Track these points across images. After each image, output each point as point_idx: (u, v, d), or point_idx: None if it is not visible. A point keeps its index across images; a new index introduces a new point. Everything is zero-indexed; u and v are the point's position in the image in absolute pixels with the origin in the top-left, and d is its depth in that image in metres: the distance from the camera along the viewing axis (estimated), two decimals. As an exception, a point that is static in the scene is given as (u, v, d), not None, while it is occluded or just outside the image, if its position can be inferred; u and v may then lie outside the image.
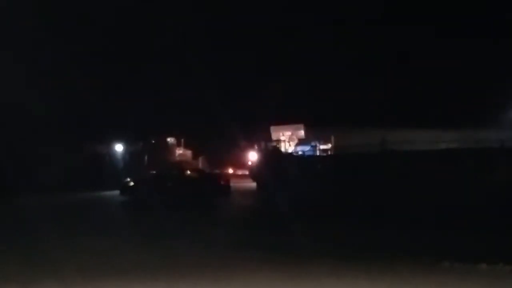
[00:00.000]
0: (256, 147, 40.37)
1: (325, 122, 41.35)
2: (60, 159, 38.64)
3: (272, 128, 42.29)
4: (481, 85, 43.84)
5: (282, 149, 38.54)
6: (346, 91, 46.07)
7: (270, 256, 11.88)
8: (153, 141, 43.86)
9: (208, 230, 16.60)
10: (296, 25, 49.72)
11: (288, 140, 41.77)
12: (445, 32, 46.81)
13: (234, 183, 32.80)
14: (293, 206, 20.54)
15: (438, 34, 47.00)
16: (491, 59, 43.39)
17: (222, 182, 28.41)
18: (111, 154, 44.01)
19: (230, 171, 54.11)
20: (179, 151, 44.59)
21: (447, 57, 45.74)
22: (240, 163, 55.11)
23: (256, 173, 33.44)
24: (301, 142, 41.48)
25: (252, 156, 39.59)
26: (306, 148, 38.67)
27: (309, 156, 34.17)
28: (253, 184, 33.62)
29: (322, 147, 38.19)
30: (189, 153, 45.32)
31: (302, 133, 41.67)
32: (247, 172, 50.34)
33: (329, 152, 36.22)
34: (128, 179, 28.13)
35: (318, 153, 36.32)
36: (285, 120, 42.90)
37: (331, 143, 38.77)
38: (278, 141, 41.06)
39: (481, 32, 45.21)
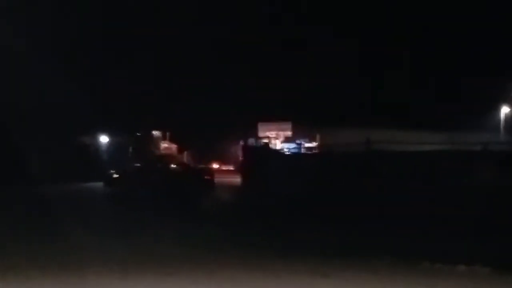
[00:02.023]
0: (243, 142, 40.39)
1: (311, 120, 41.53)
2: (46, 150, 38.40)
3: (260, 125, 42.43)
4: (465, 88, 44.23)
5: (271, 146, 38.68)
6: (333, 90, 46.27)
7: (251, 254, 11.94)
8: (139, 134, 43.72)
9: (190, 225, 16.63)
10: (285, 25, 49.82)
11: (275, 137, 41.95)
12: (432, 33, 47.12)
13: (218, 178, 32.81)
14: (276, 203, 20.61)
15: (425, 35, 47.30)
16: (476, 61, 43.77)
17: (206, 177, 28.44)
18: (96, 145, 43.81)
19: (215, 166, 54.08)
20: (164, 145, 44.49)
21: (431, 59, 46.07)
22: (225, 158, 55.11)
23: (243, 168, 33.48)
24: (287, 139, 41.61)
25: (242, 152, 39.60)
26: (292, 145, 38.80)
27: (294, 153, 34.26)
28: (237, 180, 33.65)
29: (307, 145, 38.36)
30: (174, 147, 45.23)
31: (289, 131, 41.84)
32: (232, 168, 50.37)
33: (314, 150, 36.36)
34: (112, 171, 28.07)
35: (303, 151, 36.46)
36: (273, 117, 43.03)
37: (316, 141, 38.93)
38: (269, 137, 41.24)
39: (469, 33, 45.56)
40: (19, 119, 38.33)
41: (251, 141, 40.64)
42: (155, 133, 44.11)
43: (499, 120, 44.34)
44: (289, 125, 42.12)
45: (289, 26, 50.17)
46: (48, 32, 41.44)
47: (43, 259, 10.95)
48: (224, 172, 47.75)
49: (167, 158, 33.14)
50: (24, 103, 38.79)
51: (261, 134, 42.31)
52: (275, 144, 40.73)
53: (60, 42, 42.84)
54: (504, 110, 44.60)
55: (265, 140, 40.71)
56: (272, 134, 42.23)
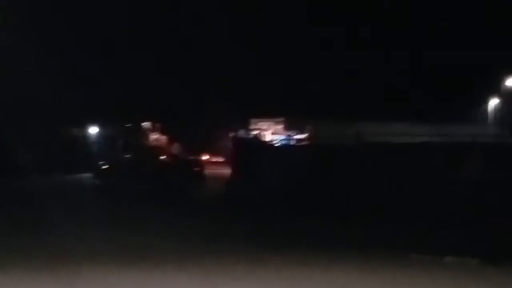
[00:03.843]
0: (234, 134, 40.36)
1: (301, 112, 41.56)
2: (35, 141, 38.23)
3: (253, 121, 42.48)
4: (455, 80, 44.38)
5: (262, 139, 38.69)
6: (323, 81, 46.32)
7: (240, 246, 11.96)
8: (128, 125, 43.57)
9: (179, 217, 16.65)
10: (276, 19, 49.81)
11: (265, 128, 41.98)
12: (421, 24, 47.23)
13: (209, 170, 32.79)
14: (265, 196, 20.67)
15: (415, 26, 47.41)
16: (466, 54, 43.89)
17: (196, 169, 28.39)
18: (86, 137, 43.65)
19: (205, 158, 53.99)
20: (154, 136, 44.37)
21: (422, 51, 46.17)
22: (215, 150, 55.02)
23: (233, 160, 33.52)
24: (277, 131, 41.65)
25: (232, 144, 39.58)
26: (282, 137, 38.80)
27: (284, 145, 34.28)
28: (227, 171, 33.66)
29: (297, 136, 38.36)
30: (164, 138, 45.10)
31: (281, 127, 41.90)
32: (222, 159, 50.32)
33: (305, 143, 36.40)
34: (102, 163, 27.99)
35: (292, 143, 36.49)
36: (264, 109, 42.99)
37: (306, 133, 38.96)
38: (260, 129, 41.23)
39: (459, 26, 45.69)
40: (8, 111, 38.11)
41: (242, 132, 40.62)
42: (145, 124, 43.98)
43: (488, 112, 44.53)
44: (282, 123, 42.20)
45: (280, 20, 50.19)
46: (35, 23, 41.11)
47: (30, 251, 10.94)
48: (214, 163, 47.70)
49: (157, 149, 33.07)
50: (12, 94, 38.55)
51: (252, 126, 42.33)
52: (265, 136, 40.76)
53: (49, 33, 42.53)
54: (493, 102, 44.78)
55: (256, 132, 40.71)
56: (263, 126, 42.26)
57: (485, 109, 44.72)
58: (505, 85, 43.64)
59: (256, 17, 49.92)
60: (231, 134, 40.47)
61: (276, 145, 34.40)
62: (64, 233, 13.10)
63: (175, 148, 43.58)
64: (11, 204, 19.18)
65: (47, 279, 8.89)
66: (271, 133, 41.61)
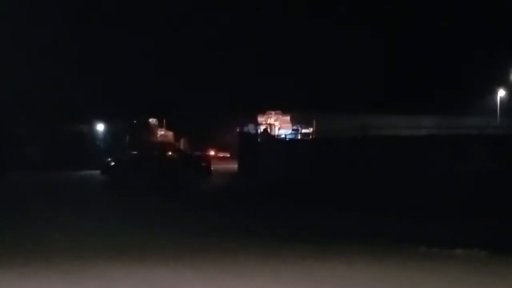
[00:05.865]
0: (240, 129, 40.35)
1: (307, 106, 41.59)
2: (42, 137, 38.44)
3: (259, 115, 42.49)
4: (462, 72, 44.25)
5: (269, 133, 38.69)
6: (328, 76, 46.29)
7: (244, 241, 11.96)
8: (135, 121, 43.65)
9: (186, 212, 16.67)
10: (279, 14, 49.80)
11: (273, 123, 41.99)
12: (428, 17, 47.08)
13: (215, 165, 32.82)
14: (271, 190, 20.67)
15: (422, 20, 47.26)
16: (473, 46, 43.75)
17: (203, 164, 28.39)
18: (92, 133, 43.78)
19: (212, 153, 54.11)
20: (161, 132, 44.44)
21: (427, 44, 46.04)
22: (222, 145, 55.15)
23: (240, 155, 33.55)
24: (285, 125, 41.66)
25: (238, 139, 39.58)
26: (289, 131, 38.79)
27: (290, 139, 34.25)
28: (234, 166, 33.70)
29: (304, 130, 38.33)
30: (171, 134, 45.17)
31: (288, 120, 41.89)
32: (228, 155, 50.43)
33: (311, 136, 36.39)
34: (109, 159, 28.03)
35: (299, 137, 36.45)
36: (271, 105, 43.01)
37: (312, 127, 38.95)
38: (267, 124, 41.24)
39: (466, 18, 45.53)
40: (14, 108, 38.28)
41: (251, 127, 40.60)
42: (152, 120, 44.04)
43: (496, 103, 44.39)
44: (288, 115, 42.16)
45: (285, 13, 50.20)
46: (40, 20, 41.22)
47: (34, 245, 10.98)
48: (221, 159, 47.78)
49: (163, 145, 33.06)
50: (19, 92, 38.73)
51: (259, 120, 42.35)
52: (272, 130, 40.78)
53: (54, 30, 42.65)
54: (500, 93, 44.62)
55: (263, 126, 40.72)
56: (269, 120, 42.25)
57: (492, 101, 44.59)
58: (513, 77, 43.49)
59: (262, 11, 49.95)
60: (238, 129, 40.49)
61: (282, 139, 34.36)
62: (72, 227, 13.16)
63: (182, 144, 43.66)
64: (17, 198, 19.25)
65: (51, 274, 8.90)
66: (278, 127, 41.61)
